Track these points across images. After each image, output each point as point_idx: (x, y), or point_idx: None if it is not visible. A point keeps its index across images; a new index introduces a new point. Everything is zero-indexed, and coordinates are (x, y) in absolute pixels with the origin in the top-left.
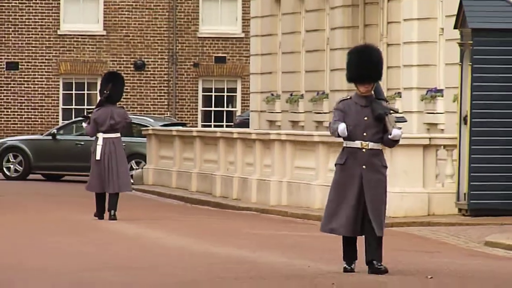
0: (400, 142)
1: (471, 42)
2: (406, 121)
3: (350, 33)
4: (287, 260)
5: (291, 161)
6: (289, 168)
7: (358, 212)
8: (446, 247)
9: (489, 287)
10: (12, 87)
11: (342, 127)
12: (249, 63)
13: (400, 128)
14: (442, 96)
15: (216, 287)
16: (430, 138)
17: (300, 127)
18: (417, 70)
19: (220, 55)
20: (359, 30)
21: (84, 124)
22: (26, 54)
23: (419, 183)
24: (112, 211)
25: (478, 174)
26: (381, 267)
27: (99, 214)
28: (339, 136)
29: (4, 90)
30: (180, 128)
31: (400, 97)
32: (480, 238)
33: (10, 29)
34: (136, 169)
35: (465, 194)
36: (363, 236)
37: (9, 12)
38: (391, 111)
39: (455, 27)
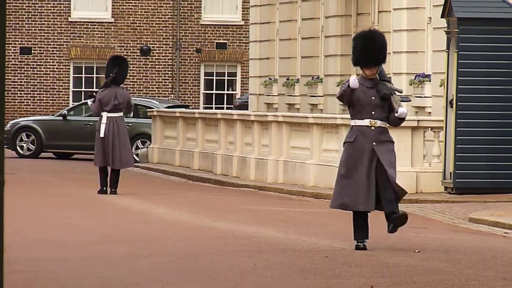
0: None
1: (457, 30)
2: (409, 101)
3: (343, 21)
4: (282, 234)
5: (287, 141)
6: (285, 148)
7: (370, 187)
8: (433, 223)
9: (473, 261)
10: (26, 70)
11: (352, 78)
12: (248, 49)
13: (404, 106)
14: (430, 81)
15: (215, 260)
16: (418, 121)
17: (296, 110)
18: (406, 57)
19: (221, 41)
20: (352, 18)
21: (89, 102)
22: (38, 40)
23: (407, 163)
24: (113, 188)
25: (463, 155)
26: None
27: (101, 188)
28: (349, 87)
29: (18, 73)
30: (183, 110)
31: (390, 82)
32: (465, 214)
33: (24, 16)
34: (142, 148)
35: (451, 173)
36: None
37: (23, 0)
38: (396, 91)
39: (442, 16)
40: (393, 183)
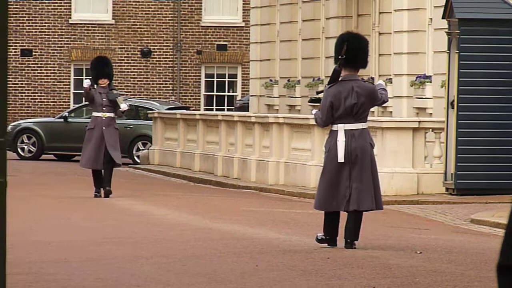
0: (391, 125)
1: (458, 31)
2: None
3: (344, 23)
4: (284, 236)
5: (288, 142)
6: (286, 149)
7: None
8: (434, 224)
9: (475, 262)
10: (26, 72)
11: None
12: (249, 50)
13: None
14: (431, 82)
15: (216, 261)
16: (419, 122)
17: (296, 111)
18: (407, 58)
19: (221, 43)
20: (352, 19)
21: (87, 82)
22: (39, 42)
23: (409, 164)
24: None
25: (464, 156)
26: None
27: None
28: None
29: (19, 75)
30: (184, 111)
31: (391, 82)
32: (466, 216)
33: (25, 18)
34: (143, 150)
35: (452, 174)
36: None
37: (23, 2)
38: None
39: (443, 17)
40: None
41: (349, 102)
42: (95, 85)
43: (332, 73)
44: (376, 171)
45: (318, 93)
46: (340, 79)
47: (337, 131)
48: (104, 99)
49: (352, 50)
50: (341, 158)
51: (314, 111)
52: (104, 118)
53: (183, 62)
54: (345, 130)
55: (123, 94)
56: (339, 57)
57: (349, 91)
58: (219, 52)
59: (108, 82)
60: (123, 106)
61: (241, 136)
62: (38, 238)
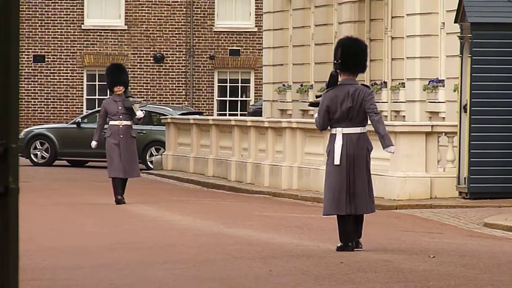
0: (404, 129)
1: (471, 35)
2: None
3: (356, 27)
4: (297, 240)
5: (301, 147)
6: (299, 154)
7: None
8: (447, 228)
9: (488, 266)
10: (39, 78)
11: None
12: (261, 55)
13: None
14: (443, 86)
15: (229, 266)
16: (432, 126)
17: (309, 116)
18: (420, 62)
19: (234, 48)
20: (365, 24)
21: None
22: (52, 48)
23: (422, 168)
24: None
25: (477, 160)
26: None
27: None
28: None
29: (32, 81)
30: (197, 116)
31: (404, 87)
32: (479, 219)
33: (37, 24)
34: (156, 155)
35: (465, 178)
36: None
37: (36, 8)
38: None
39: (455, 21)
40: None
41: (345, 106)
42: (111, 93)
43: (329, 78)
44: (370, 176)
45: (317, 97)
46: (338, 83)
47: (335, 134)
48: (120, 107)
49: (349, 55)
50: (337, 161)
51: (315, 115)
52: (121, 126)
53: (196, 68)
54: (343, 133)
55: (139, 101)
56: (335, 61)
57: (345, 95)
58: (232, 57)
59: (123, 90)
60: (139, 114)
61: (254, 141)
62: (52, 244)
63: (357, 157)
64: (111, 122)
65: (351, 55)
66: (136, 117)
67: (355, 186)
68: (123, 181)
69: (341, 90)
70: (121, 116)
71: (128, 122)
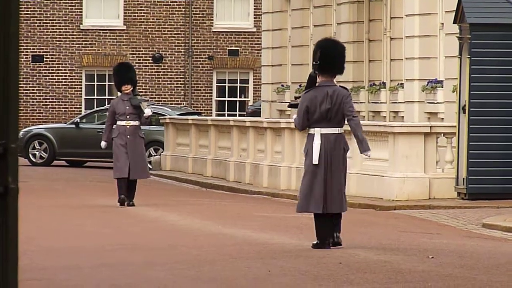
0: (403, 130)
1: (470, 36)
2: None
3: (355, 28)
4: (296, 241)
5: (300, 147)
6: (298, 154)
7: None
8: (446, 229)
9: (487, 266)
10: (38, 78)
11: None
12: (260, 56)
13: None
14: (442, 86)
15: (229, 266)
16: (430, 126)
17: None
18: (419, 62)
19: (233, 48)
20: (364, 24)
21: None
22: (50, 48)
23: (420, 169)
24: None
25: (476, 160)
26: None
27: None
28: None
29: (30, 81)
30: (196, 117)
31: (403, 87)
32: (478, 220)
33: (36, 24)
34: (155, 155)
35: (463, 179)
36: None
37: (34, 8)
38: None
39: (454, 22)
40: None
41: (324, 107)
42: (118, 92)
43: (308, 79)
44: (345, 176)
45: (296, 98)
46: (317, 84)
47: (313, 134)
48: (128, 107)
49: (327, 57)
50: (315, 160)
51: (294, 116)
52: (128, 126)
53: (195, 68)
54: (321, 133)
55: (147, 100)
56: (313, 63)
57: (324, 96)
58: (230, 58)
59: (131, 88)
60: (147, 112)
61: (253, 141)
62: (51, 244)
63: (334, 157)
64: (118, 122)
65: (330, 57)
66: (145, 115)
67: (332, 185)
68: (130, 182)
69: (320, 91)
70: (128, 116)
71: (136, 123)
